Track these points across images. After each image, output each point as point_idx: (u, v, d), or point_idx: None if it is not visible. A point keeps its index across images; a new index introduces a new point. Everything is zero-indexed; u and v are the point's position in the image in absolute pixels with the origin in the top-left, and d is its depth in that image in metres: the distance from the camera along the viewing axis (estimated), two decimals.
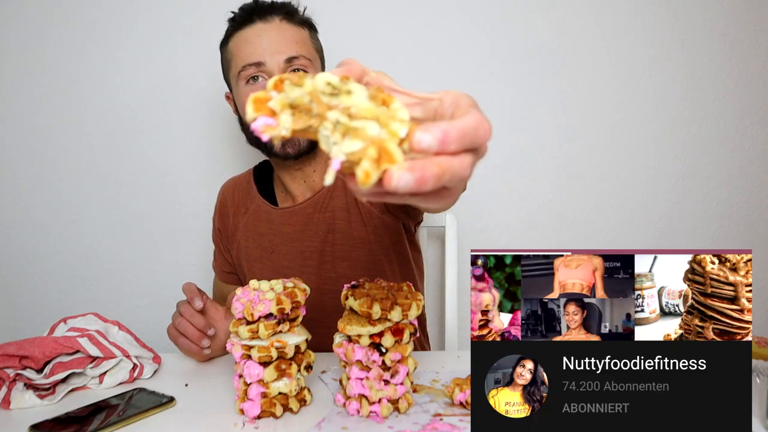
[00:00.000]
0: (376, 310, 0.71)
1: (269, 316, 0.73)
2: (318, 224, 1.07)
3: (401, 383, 0.74)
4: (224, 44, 1.05)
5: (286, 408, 0.75)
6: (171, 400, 0.79)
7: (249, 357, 0.73)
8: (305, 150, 1.02)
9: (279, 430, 0.72)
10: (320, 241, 1.07)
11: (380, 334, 0.72)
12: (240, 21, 1.01)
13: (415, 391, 0.81)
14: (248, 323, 0.73)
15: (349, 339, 0.74)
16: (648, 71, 1.51)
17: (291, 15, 1.02)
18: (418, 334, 0.76)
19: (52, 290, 1.52)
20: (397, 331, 0.72)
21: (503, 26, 1.47)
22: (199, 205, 1.45)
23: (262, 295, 0.73)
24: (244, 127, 1.07)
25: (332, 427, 0.72)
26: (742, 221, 1.58)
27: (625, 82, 1.51)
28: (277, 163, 1.09)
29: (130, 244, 1.51)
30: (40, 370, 0.79)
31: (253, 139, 1.05)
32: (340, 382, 0.78)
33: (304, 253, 1.08)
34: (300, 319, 0.77)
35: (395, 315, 0.71)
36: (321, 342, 0.89)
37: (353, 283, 0.78)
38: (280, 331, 0.74)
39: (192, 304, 0.91)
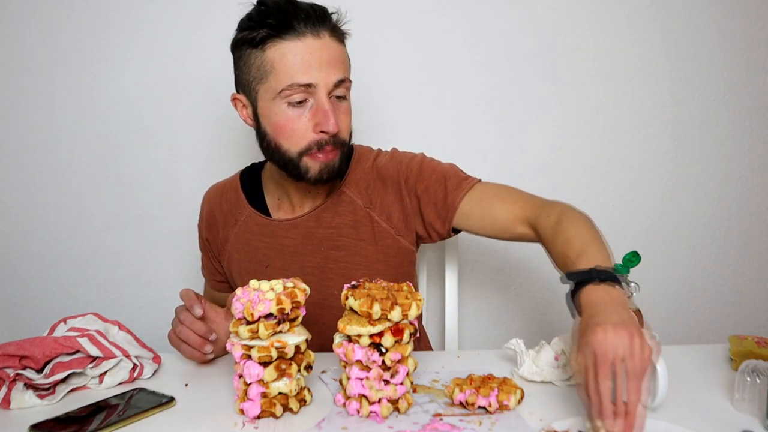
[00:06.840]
0: (376, 310, 0.71)
1: (269, 316, 0.73)
2: (321, 240, 1.05)
3: (401, 383, 0.74)
4: (257, 47, 0.92)
5: (286, 408, 0.75)
6: (171, 400, 0.79)
7: (249, 357, 0.73)
8: (335, 176, 0.99)
9: (279, 430, 0.72)
10: (323, 258, 1.05)
11: (380, 334, 0.72)
12: (281, 26, 0.90)
13: (415, 391, 0.81)
14: (248, 323, 0.73)
15: (349, 339, 0.74)
16: (646, 72, 1.51)
17: (334, 29, 0.95)
18: (418, 334, 0.76)
19: (52, 290, 1.52)
20: (397, 331, 0.72)
21: (500, 31, 1.47)
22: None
23: (262, 295, 0.73)
24: (262, 138, 0.98)
25: (332, 427, 0.72)
26: (742, 221, 1.58)
27: (624, 82, 1.51)
28: (288, 178, 1.01)
29: (130, 244, 1.51)
30: (40, 370, 0.79)
31: (272, 155, 0.98)
32: (340, 382, 0.78)
33: (305, 268, 1.05)
34: (300, 319, 0.77)
35: (395, 315, 0.71)
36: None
37: (353, 283, 0.78)
38: (280, 331, 0.74)
39: (192, 312, 0.89)
